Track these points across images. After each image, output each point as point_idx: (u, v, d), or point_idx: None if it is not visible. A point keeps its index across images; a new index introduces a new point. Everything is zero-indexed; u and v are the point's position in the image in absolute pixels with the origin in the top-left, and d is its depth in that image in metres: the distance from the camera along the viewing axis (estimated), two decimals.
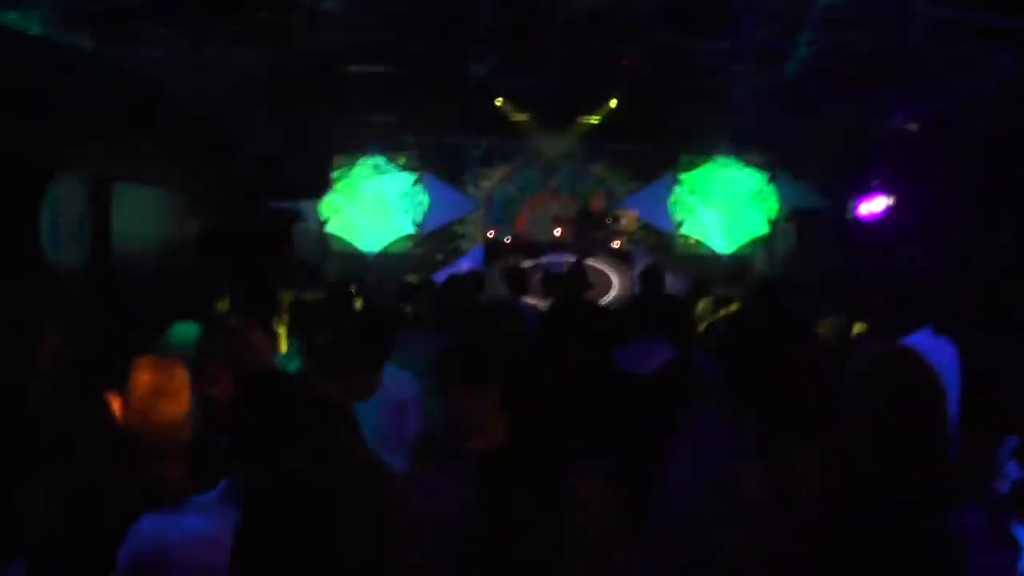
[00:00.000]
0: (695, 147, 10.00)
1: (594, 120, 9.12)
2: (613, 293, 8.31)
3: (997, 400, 3.05)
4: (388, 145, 9.88)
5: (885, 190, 8.14)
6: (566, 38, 6.47)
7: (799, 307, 5.65)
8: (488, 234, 10.16)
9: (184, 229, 7.73)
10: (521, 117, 9.01)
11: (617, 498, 2.11)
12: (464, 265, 9.78)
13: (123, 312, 5.36)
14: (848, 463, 2.05)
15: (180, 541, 1.70)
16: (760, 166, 10.03)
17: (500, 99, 8.63)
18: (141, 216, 7.06)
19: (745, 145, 9.86)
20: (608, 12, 5.97)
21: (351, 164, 9.92)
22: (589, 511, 2.04)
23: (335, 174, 9.85)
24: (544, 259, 9.61)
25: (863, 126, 7.96)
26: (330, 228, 9.94)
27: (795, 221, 9.65)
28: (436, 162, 10.06)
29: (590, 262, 9.74)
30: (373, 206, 10.01)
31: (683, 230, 10.23)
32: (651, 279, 5.75)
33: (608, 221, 9.22)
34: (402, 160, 10.03)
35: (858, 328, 4.13)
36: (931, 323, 3.57)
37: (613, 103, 8.74)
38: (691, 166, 10.17)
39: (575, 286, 5.83)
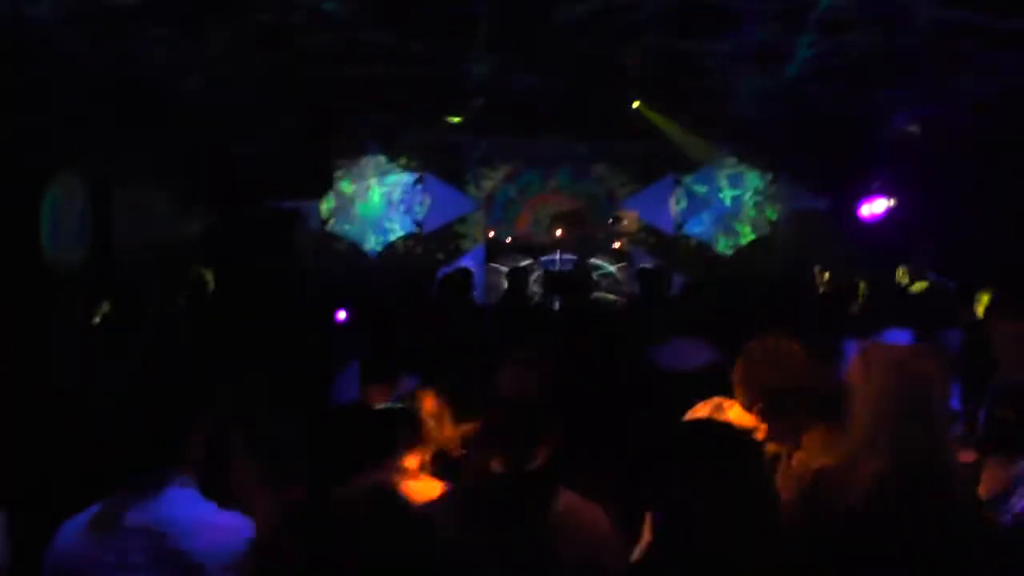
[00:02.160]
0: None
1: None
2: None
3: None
4: (388, 145, 9.86)
5: (886, 191, 8.14)
6: (566, 38, 6.47)
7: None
8: (488, 234, 10.16)
9: (184, 229, 7.74)
10: (454, 119, 8.90)
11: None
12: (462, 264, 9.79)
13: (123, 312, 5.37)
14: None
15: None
16: (760, 166, 10.02)
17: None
18: (141, 216, 7.07)
19: (745, 145, 9.84)
20: (609, 12, 5.96)
21: (351, 164, 9.91)
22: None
23: (335, 174, 9.84)
24: (544, 259, 9.63)
25: (863, 126, 7.96)
26: (330, 228, 9.94)
27: (795, 221, 9.64)
28: (436, 162, 10.04)
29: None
30: (373, 206, 10.00)
31: (683, 231, 10.21)
32: (651, 279, 5.76)
33: (609, 222, 9.22)
34: (402, 160, 10.02)
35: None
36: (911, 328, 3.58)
37: (637, 104, 8.65)
38: (692, 166, 10.15)
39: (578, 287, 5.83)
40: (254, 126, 7.96)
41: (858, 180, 8.34)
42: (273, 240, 8.66)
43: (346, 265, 9.62)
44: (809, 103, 7.58)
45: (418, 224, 10.10)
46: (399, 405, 2.76)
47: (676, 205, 10.17)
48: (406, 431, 2.53)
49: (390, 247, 10.06)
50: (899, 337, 3.41)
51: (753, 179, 10.08)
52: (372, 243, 10.05)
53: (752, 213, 10.07)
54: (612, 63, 7.11)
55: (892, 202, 8.08)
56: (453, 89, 7.77)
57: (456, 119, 8.72)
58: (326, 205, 9.87)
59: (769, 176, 10.00)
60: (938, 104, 7.11)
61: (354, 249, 9.98)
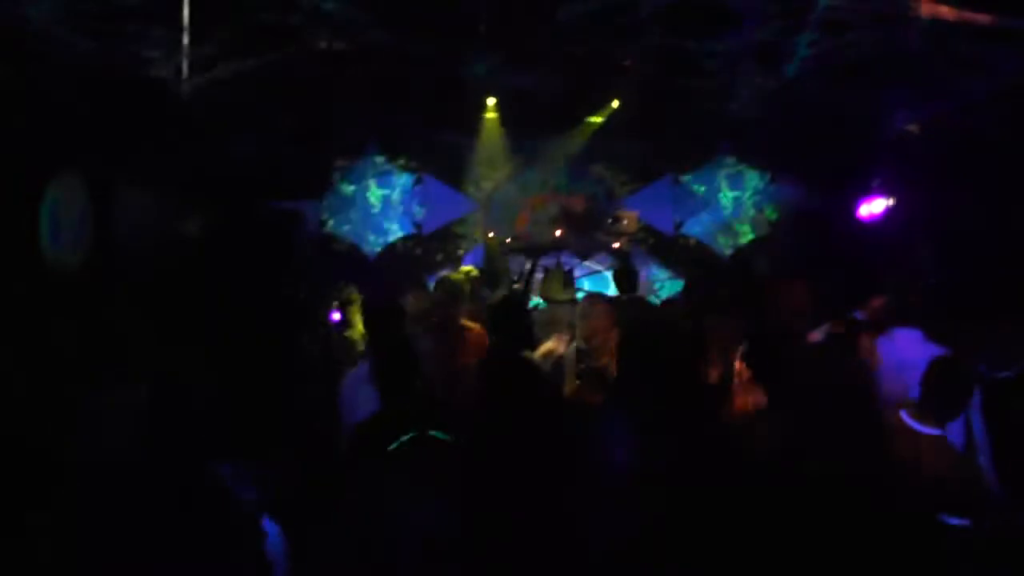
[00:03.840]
0: (695, 147, 9.98)
1: (597, 120, 9.09)
2: None
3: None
4: (388, 145, 9.86)
5: (886, 191, 8.14)
6: (566, 38, 6.47)
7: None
8: (488, 235, 10.16)
9: (184, 229, 7.73)
10: (491, 116, 9.00)
11: None
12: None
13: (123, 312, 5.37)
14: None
15: None
16: (760, 167, 10.02)
17: (492, 98, 8.62)
18: (141, 216, 7.06)
19: (745, 145, 9.84)
20: (608, 12, 5.96)
21: (351, 164, 9.91)
22: None
23: (335, 174, 9.83)
24: (544, 260, 9.62)
25: (863, 127, 7.95)
26: (330, 228, 9.94)
27: (795, 222, 9.64)
28: (435, 162, 10.04)
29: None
30: (372, 207, 10.00)
31: (683, 231, 10.21)
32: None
33: (608, 221, 9.21)
34: (401, 160, 10.02)
35: None
36: (921, 328, 3.59)
37: (616, 104, 8.71)
38: (691, 166, 10.15)
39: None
40: (254, 126, 7.96)
41: (858, 180, 8.33)
42: (273, 240, 8.66)
43: (345, 266, 9.61)
44: (809, 103, 7.58)
45: (417, 225, 10.09)
46: None
47: (675, 205, 10.17)
48: None
49: (389, 248, 10.05)
50: (908, 336, 3.41)
51: (753, 179, 10.08)
52: (371, 244, 10.04)
53: (752, 213, 10.07)
54: (612, 63, 7.11)
55: (892, 202, 8.07)
56: (453, 89, 7.77)
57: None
58: (326, 205, 9.86)
59: (769, 176, 10.00)
60: (938, 104, 7.11)
61: (353, 250, 9.98)
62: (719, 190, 10.12)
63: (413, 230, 10.09)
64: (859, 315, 3.98)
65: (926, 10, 5.07)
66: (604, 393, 3.28)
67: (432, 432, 2.66)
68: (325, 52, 6.55)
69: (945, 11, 5.19)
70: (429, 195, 10.07)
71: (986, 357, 3.37)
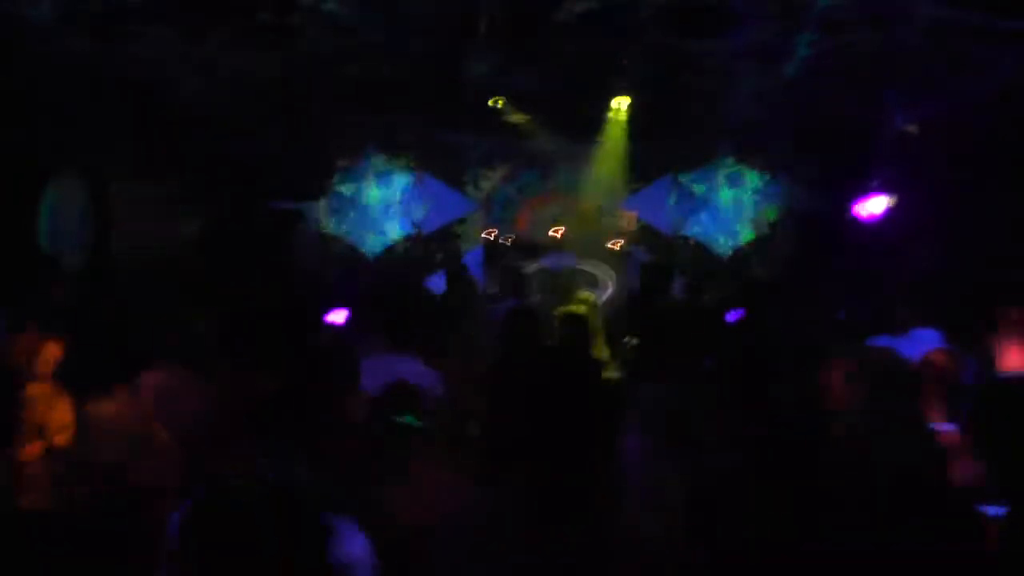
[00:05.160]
0: (695, 147, 9.98)
1: (622, 116, 8.93)
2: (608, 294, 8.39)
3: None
4: (388, 145, 9.86)
5: (885, 191, 8.14)
6: (566, 38, 6.47)
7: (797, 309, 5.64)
8: (488, 235, 10.16)
9: (184, 229, 7.74)
10: (519, 118, 8.97)
11: None
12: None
13: (123, 312, 5.37)
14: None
15: None
16: (760, 167, 10.02)
17: (500, 100, 8.61)
18: (141, 216, 7.07)
19: (745, 145, 9.84)
20: (608, 12, 5.96)
21: (351, 164, 9.91)
22: None
23: (335, 174, 9.83)
24: (544, 260, 9.64)
25: (863, 126, 7.96)
26: (330, 229, 9.93)
27: (795, 222, 9.64)
28: (435, 162, 10.04)
29: (584, 265, 9.80)
30: (372, 207, 10.00)
31: (683, 231, 10.21)
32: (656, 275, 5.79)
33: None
34: (402, 160, 10.01)
35: None
36: (941, 330, 3.57)
37: (627, 100, 8.64)
38: (691, 166, 10.15)
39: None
40: (254, 126, 7.96)
41: (858, 180, 8.34)
42: (273, 240, 8.67)
43: (345, 266, 9.61)
44: (809, 103, 7.58)
45: (416, 225, 10.09)
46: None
47: (675, 205, 10.17)
48: None
49: (389, 248, 10.05)
50: (927, 337, 3.40)
51: (752, 179, 10.07)
52: (371, 244, 10.04)
53: (751, 213, 10.07)
54: (612, 62, 7.11)
55: (892, 201, 8.07)
56: (453, 89, 7.76)
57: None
58: (325, 205, 9.86)
59: (768, 176, 10.00)
60: (938, 104, 7.11)
61: (353, 250, 9.98)
62: (719, 190, 10.11)
63: (413, 230, 10.09)
64: None
65: None
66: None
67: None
68: (325, 52, 6.54)
69: None
70: (429, 195, 10.07)
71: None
